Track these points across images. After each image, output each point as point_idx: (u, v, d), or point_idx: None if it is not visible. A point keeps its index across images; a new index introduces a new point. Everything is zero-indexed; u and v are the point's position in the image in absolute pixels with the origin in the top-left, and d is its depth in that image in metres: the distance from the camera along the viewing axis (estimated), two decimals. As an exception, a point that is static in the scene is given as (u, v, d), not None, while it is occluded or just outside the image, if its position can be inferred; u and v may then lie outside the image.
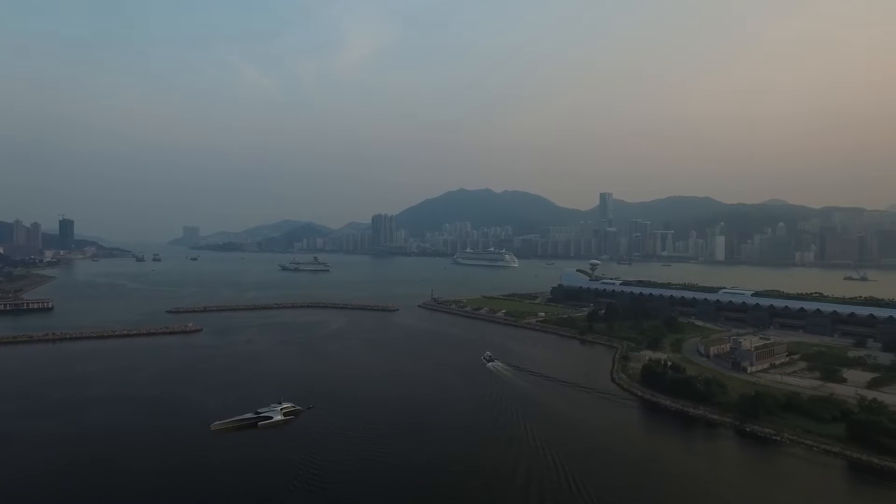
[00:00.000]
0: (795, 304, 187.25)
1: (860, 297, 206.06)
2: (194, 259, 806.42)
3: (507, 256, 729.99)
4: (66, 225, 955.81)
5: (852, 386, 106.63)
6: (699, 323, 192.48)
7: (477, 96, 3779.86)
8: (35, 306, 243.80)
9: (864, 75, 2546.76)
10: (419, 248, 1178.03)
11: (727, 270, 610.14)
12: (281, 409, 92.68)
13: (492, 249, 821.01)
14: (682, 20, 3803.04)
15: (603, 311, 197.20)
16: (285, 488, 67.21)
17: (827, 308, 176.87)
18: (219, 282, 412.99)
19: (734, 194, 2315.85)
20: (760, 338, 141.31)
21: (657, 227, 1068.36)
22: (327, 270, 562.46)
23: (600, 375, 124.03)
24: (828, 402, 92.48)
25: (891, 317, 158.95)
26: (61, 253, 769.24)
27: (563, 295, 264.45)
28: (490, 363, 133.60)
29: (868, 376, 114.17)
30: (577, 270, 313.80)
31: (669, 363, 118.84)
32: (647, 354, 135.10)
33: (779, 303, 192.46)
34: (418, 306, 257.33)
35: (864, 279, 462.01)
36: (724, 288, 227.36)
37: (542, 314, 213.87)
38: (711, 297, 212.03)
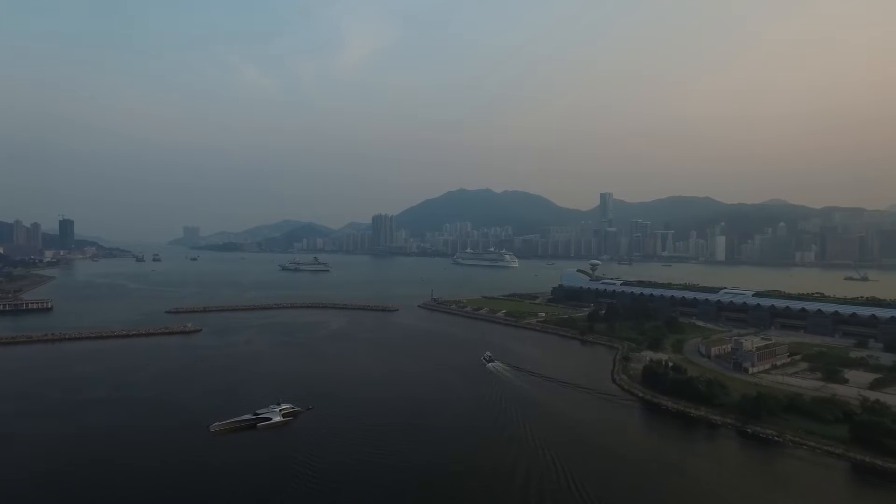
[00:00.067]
0: (797, 305, 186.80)
1: (861, 297, 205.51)
2: (194, 259, 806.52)
3: (507, 256, 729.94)
4: (66, 225, 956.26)
5: (854, 387, 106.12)
6: (700, 323, 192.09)
7: (477, 96, 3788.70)
8: (34, 306, 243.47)
9: (864, 75, 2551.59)
10: (419, 248, 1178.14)
11: (728, 270, 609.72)
12: (280, 411, 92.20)
13: (492, 249, 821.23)
14: (682, 20, 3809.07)
15: (603, 312, 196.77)
16: (285, 489, 66.87)
17: (828, 308, 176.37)
18: (218, 282, 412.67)
19: (734, 194, 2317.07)
20: (762, 338, 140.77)
21: (657, 228, 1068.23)
22: (327, 270, 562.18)
23: (601, 376, 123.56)
24: (830, 404, 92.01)
25: (893, 317, 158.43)
26: (61, 253, 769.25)
27: (564, 295, 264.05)
28: (490, 363, 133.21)
29: (870, 377, 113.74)
30: (578, 271, 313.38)
31: (670, 364, 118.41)
32: (648, 355, 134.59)
33: (780, 303, 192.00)
34: (418, 306, 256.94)
35: (864, 279, 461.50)
36: (725, 288, 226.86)
37: (543, 314, 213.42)
38: (712, 297, 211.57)
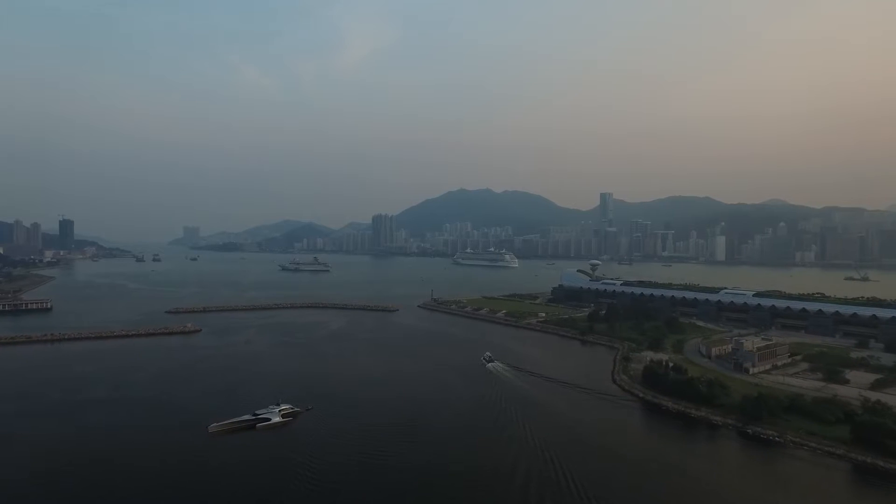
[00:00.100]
0: (797, 305, 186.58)
1: (862, 297, 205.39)
2: (194, 259, 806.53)
3: (507, 257, 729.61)
4: (66, 225, 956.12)
5: (855, 387, 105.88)
6: (700, 323, 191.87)
7: (477, 96, 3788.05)
8: (34, 307, 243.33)
9: (864, 75, 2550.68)
10: (419, 248, 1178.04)
11: (728, 270, 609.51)
12: (279, 411, 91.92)
13: (492, 249, 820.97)
14: (682, 20, 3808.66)
15: (604, 312, 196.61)
16: (284, 489, 66.71)
17: (829, 309, 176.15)
18: (218, 282, 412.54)
19: (734, 194, 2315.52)
20: (762, 339, 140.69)
21: (657, 228, 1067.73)
22: (327, 271, 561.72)
23: (601, 376, 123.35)
24: (831, 404, 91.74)
25: (893, 317, 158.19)
26: (61, 253, 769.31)
27: (564, 295, 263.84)
28: (490, 364, 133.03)
29: (871, 377, 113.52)
30: (578, 271, 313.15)
31: (671, 364, 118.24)
32: (649, 355, 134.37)
33: (780, 303, 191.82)
34: (418, 306, 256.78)
35: (865, 279, 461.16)
36: (726, 288, 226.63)
37: (543, 315, 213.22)
38: (713, 297, 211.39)
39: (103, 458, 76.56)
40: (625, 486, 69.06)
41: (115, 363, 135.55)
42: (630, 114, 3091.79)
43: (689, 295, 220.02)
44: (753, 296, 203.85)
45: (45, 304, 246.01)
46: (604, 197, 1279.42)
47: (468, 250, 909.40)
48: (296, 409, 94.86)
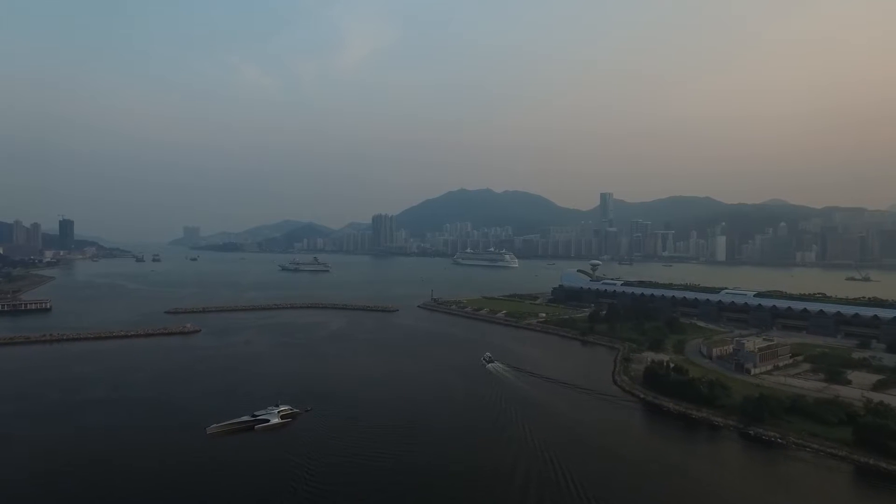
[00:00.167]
0: (798, 305, 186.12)
1: (863, 297, 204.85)
2: (194, 259, 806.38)
3: (507, 257, 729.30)
4: (66, 225, 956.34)
5: (857, 388, 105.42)
6: (701, 324, 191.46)
7: (477, 96, 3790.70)
8: (33, 307, 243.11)
9: (864, 75, 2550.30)
10: (419, 248, 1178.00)
11: (728, 271, 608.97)
12: (278, 412, 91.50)
13: (492, 250, 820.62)
14: (682, 20, 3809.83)
15: (604, 312, 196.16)
16: (283, 490, 66.37)
17: (830, 309, 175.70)
18: (218, 282, 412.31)
19: (735, 194, 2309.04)
20: (763, 339, 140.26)
21: (658, 228, 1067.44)
22: (327, 271, 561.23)
23: (602, 377, 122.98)
24: (833, 405, 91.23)
25: (895, 318, 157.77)
26: (61, 253, 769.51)
27: (564, 295, 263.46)
28: (490, 364, 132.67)
29: (873, 378, 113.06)
30: (578, 271, 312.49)
31: (672, 365, 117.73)
32: (649, 356, 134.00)
33: (781, 303, 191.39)
34: (418, 307, 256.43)
35: (866, 279, 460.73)
36: (726, 288, 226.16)
37: (543, 315, 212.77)
38: (713, 297, 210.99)
39: (102, 458, 76.28)
40: (625, 486, 68.73)
41: (114, 363, 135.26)
42: (630, 114, 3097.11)
43: (690, 295, 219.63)
44: (754, 296, 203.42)
45: (44, 305, 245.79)
46: (604, 197, 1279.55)
47: (468, 250, 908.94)
48: (295, 410, 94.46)
